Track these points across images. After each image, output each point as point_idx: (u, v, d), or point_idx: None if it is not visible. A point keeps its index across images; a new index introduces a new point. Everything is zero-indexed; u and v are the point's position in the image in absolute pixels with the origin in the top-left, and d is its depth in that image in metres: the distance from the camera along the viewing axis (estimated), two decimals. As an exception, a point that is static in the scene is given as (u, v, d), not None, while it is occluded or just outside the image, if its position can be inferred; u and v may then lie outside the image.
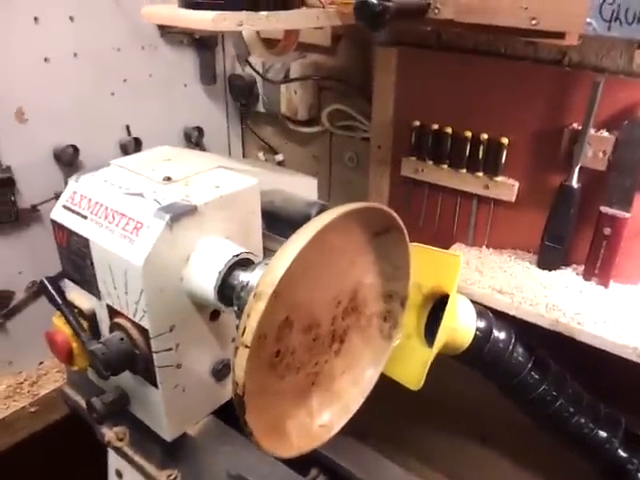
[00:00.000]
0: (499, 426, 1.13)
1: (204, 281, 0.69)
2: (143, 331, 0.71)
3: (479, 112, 0.91)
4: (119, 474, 0.96)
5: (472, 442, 1.21)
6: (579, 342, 0.85)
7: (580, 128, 0.82)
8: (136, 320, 0.71)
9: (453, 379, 1.12)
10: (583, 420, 0.89)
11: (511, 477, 1.19)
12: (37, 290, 1.00)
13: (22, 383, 1.04)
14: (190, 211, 0.69)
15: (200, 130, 1.18)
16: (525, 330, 0.87)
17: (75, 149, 0.98)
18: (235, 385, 0.53)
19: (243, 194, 0.75)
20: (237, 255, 0.69)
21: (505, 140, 0.90)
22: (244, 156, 1.33)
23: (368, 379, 0.74)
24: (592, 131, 0.81)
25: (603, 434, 0.88)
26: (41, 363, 1.08)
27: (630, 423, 0.92)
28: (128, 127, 1.07)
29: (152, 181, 0.76)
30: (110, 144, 1.05)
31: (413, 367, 0.80)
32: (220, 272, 0.68)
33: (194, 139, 1.17)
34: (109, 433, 0.93)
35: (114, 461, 0.96)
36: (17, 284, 1.00)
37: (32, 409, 1.01)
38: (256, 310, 0.51)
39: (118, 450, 0.93)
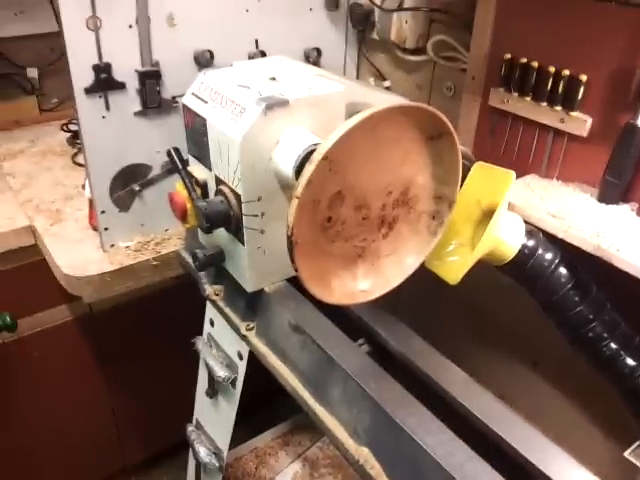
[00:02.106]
0: (552, 352, 1.20)
1: (286, 162, 0.85)
2: (237, 196, 0.89)
3: (564, 49, 0.97)
4: (212, 323, 1.19)
5: (524, 365, 1.30)
6: (632, 282, 0.90)
7: (651, 69, 0.86)
8: (233, 187, 0.90)
9: (512, 306, 1.21)
10: (614, 346, 0.95)
11: (560, 402, 1.26)
12: (170, 168, 1.24)
13: (149, 242, 1.28)
14: (283, 103, 0.85)
15: (319, 51, 1.33)
16: (579, 260, 0.94)
17: (211, 54, 1.18)
18: (287, 228, 0.70)
19: (330, 97, 0.90)
20: (315, 144, 0.85)
21: (584, 77, 0.95)
22: (357, 79, 1.46)
23: (410, 264, 0.87)
24: (662, 72, 0.85)
25: (631, 362, 0.94)
26: (167, 230, 1.32)
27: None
28: (257, 41, 1.24)
29: (261, 79, 0.93)
30: (240, 54, 1.23)
31: (457, 267, 0.92)
32: (299, 155, 0.83)
33: (312, 59, 1.32)
34: (209, 289, 1.15)
35: (210, 312, 1.19)
36: (155, 161, 1.23)
37: (154, 263, 1.25)
38: (307, 170, 0.67)
39: (214, 303, 1.15)
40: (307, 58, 1.33)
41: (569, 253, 0.94)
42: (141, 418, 1.83)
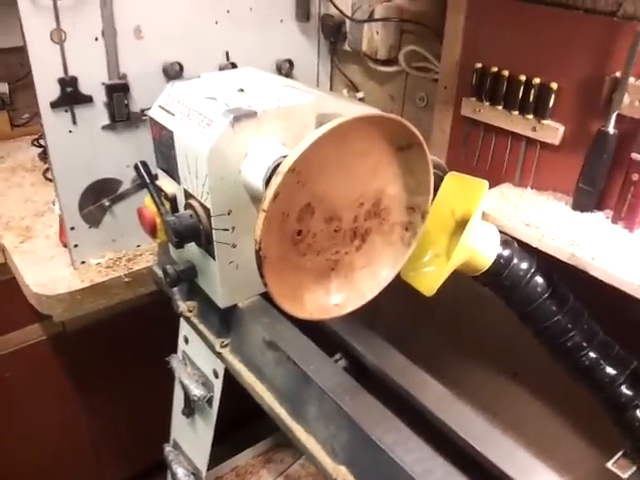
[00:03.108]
0: (532, 362, 1.19)
1: (256, 174, 0.83)
2: (206, 210, 0.87)
3: (534, 57, 0.97)
4: (186, 340, 1.16)
5: (504, 376, 1.29)
6: (608, 291, 0.89)
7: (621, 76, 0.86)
8: (202, 201, 0.87)
9: (491, 317, 1.20)
10: (594, 355, 0.94)
11: (542, 412, 1.25)
12: (141, 183, 1.21)
13: (121, 258, 1.26)
14: (250, 115, 0.83)
15: (291, 63, 1.32)
16: (555, 269, 0.93)
17: (180, 66, 1.16)
18: (255, 242, 0.68)
19: (299, 107, 0.88)
20: (285, 156, 0.83)
21: (555, 85, 0.95)
22: (331, 91, 1.45)
23: (384, 276, 0.85)
24: (631, 80, 0.85)
25: (611, 371, 0.93)
26: (139, 246, 1.29)
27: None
28: (227, 53, 1.23)
29: (229, 90, 0.91)
30: (210, 66, 1.22)
31: (432, 278, 0.90)
32: (269, 167, 0.82)
33: (284, 70, 1.31)
34: (182, 305, 1.12)
35: (184, 329, 1.16)
36: (125, 175, 1.21)
37: (126, 279, 1.23)
38: (273, 182, 0.65)
39: (188, 320, 1.12)
40: (279, 70, 1.32)
41: (545, 262, 0.93)
42: (118, 439, 1.79)
